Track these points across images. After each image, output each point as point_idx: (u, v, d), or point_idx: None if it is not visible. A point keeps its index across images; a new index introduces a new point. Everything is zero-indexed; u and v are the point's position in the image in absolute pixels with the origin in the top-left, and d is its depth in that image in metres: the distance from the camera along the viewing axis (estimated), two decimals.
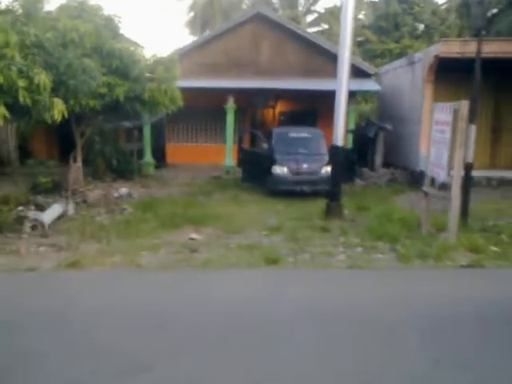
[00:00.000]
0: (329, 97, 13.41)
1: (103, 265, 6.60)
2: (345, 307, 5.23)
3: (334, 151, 10.12)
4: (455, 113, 7.79)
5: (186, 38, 52.51)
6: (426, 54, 14.41)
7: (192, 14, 33.77)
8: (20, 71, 7.24)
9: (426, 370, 3.94)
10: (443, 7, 30.88)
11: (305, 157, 12.59)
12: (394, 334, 4.56)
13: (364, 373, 3.88)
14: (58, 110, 8.30)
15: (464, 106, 7.70)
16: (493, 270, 6.71)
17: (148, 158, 16.17)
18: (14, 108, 7.58)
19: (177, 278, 6.36)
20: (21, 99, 7.29)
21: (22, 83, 7.25)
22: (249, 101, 17.01)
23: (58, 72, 9.11)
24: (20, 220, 8.64)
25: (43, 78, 7.61)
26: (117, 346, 4.29)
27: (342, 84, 9.91)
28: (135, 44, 13.06)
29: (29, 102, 7.49)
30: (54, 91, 8.97)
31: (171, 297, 5.58)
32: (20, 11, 9.44)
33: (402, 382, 3.79)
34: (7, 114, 7.29)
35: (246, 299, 5.48)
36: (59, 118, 8.47)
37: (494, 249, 7.45)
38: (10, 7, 9.51)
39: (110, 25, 11.93)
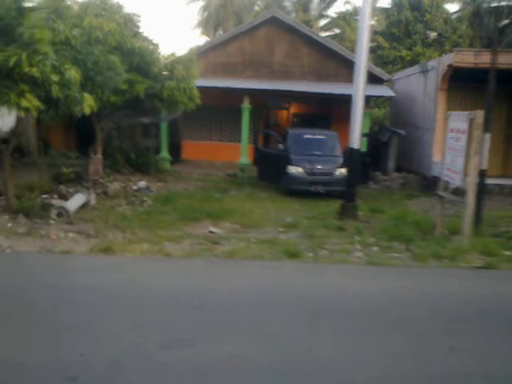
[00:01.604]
0: (342, 100, 13.74)
1: (134, 252, 6.91)
2: (369, 300, 5.49)
3: (351, 153, 10.37)
4: (471, 121, 8.05)
5: (197, 38, 52.93)
6: (440, 63, 14.66)
7: (206, 14, 34.12)
8: (53, 66, 7.49)
9: (442, 356, 4.22)
10: (455, 16, 31.10)
11: (319, 158, 12.91)
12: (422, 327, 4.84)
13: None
14: (88, 104, 8.59)
15: (479, 115, 7.96)
16: (506, 271, 6.98)
17: (164, 153, 16.48)
18: (46, 101, 7.86)
19: (206, 266, 6.68)
20: (54, 93, 7.55)
21: (55, 78, 7.49)
22: (263, 102, 17.30)
23: (86, 68, 9.39)
24: (45, 207, 8.91)
25: (73, 74, 7.86)
26: (162, 323, 4.60)
27: (359, 88, 10.15)
28: (152, 43, 13.34)
29: (61, 96, 7.76)
30: (82, 86, 9.27)
31: (204, 282, 5.93)
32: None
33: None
34: (41, 107, 7.59)
35: (273, 287, 5.81)
36: (88, 112, 8.75)
37: (507, 253, 7.70)
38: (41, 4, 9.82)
39: (129, 23, 12.24)
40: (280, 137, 14.02)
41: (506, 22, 23.95)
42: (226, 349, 4.12)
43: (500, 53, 11.31)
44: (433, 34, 30.70)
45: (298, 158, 12.76)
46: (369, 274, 6.66)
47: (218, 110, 17.75)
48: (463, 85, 14.20)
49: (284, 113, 19.14)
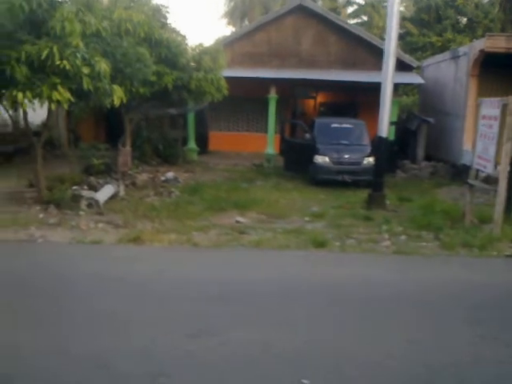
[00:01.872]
0: (370, 89, 13.54)
1: (162, 242, 7.03)
2: (396, 289, 5.49)
3: (379, 142, 10.26)
4: (503, 107, 7.87)
5: (223, 29, 52.98)
6: (471, 49, 14.34)
7: (232, 4, 34.05)
8: (83, 59, 7.60)
9: (470, 344, 4.19)
10: (486, 0, 30.28)
11: (347, 147, 12.80)
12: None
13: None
14: (117, 96, 8.71)
15: None
16: None
17: (191, 144, 16.62)
18: (76, 93, 8.00)
19: (232, 256, 6.75)
20: (84, 86, 7.67)
21: (85, 70, 7.60)
22: (290, 91, 17.24)
23: (115, 60, 9.51)
24: (75, 198, 9.10)
25: (104, 66, 7.97)
26: (190, 313, 4.68)
27: (388, 76, 10.01)
28: (180, 34, 13.39)
29: (91, 88, 7.88)
30: (112, 78, 9.39)
31: (231, 271, 6.00)
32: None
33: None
34: (72, 99, 7.74)
35: (300, 276, 5.85)
36: (118, 104, 8.89)
37: None
38: None
39: (157, 14, 12.30)
40: (307, 126, 13.95)
41: None
42: (251, 337, 4.18)
43: None
44: (464, 20, 29.99)
45: (324, 147, 12.68)
46: (397, 263, 6.63)
47: (245, 101, 17.76)
48: (495, 70, 13.86)
49: (311, 102, 19.03)
